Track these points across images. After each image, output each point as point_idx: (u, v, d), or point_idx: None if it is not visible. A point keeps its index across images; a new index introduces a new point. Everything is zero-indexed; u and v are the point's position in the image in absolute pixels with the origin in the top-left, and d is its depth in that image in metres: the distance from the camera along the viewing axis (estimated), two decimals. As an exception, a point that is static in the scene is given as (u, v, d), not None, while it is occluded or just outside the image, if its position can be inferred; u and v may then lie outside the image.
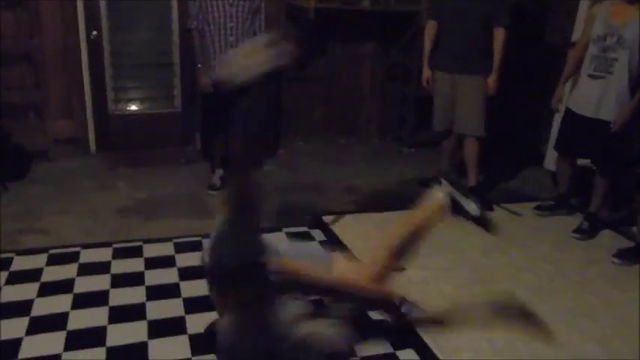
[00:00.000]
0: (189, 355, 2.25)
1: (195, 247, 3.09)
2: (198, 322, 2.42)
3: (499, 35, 3.75)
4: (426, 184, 4.09)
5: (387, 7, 4.94)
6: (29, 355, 2.18)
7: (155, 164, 4.59)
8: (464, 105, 3.87)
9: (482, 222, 2.01)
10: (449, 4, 3.85)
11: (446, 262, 3.06)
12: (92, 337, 2.31)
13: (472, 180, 4.06)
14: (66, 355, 2.20)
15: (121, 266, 2.93)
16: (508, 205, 3.89)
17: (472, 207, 1.94)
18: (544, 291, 2.86)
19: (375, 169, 4.67)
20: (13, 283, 2.71)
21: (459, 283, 2.84)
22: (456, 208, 1.95)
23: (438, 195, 1.91)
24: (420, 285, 2.78)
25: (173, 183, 4.20)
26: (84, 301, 2.59)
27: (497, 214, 3.77)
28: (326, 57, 5.23)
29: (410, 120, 5.24)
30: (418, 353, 2.26)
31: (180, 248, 3.13)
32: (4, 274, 2.77)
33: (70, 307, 2.53)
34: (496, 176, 4.50)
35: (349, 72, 5.36)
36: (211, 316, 2.43)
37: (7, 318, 2.41)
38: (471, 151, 3.99)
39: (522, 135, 4.98)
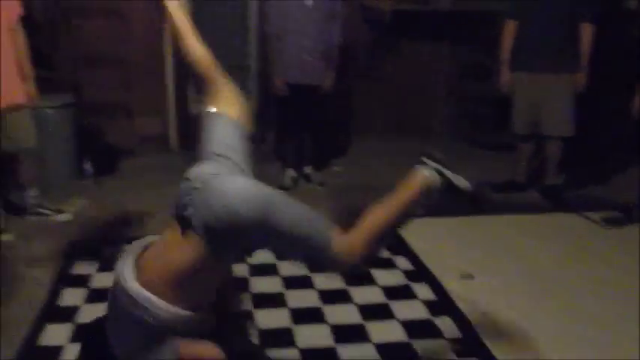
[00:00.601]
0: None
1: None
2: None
3: (586, 31, 3.65)
4: (498, 189, 4.10)
5: (467, 6, 4.87)
6: None
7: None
8: (552, 105, 3.79)
9: (476, 197, 1.90)
10: (531, 2, 3.78)
11: (516, 272, 2.98)
12: None
13: (550, 179, 4.01)
14: None
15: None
16: (589, 214, 3.75)
17: (462, 181, 1.89)
18: (630, 309, 2.63)
19: (445, 171, 4.61)
20: (104, 271, 2.87)
21: (530, 295, 2.75)
22: (448, 188, 1.89)
23: (423, 173, 1.85)
24: (489, 295, 2.75)
25: (247, 181, 4.35)
26: None
27: (576, 222, 3.67)
28: (399, 56, 5.25)
29: (485, 121, 5.16)
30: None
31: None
32: (96, 263, 2.98)
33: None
34: (581, 179, 4.36)
35: (423, 71, 5.36)
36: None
37: (98, 302, 2.58)
38: (555, 151, 3.93)
39: (612, 135, 4.79)
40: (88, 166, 4.29)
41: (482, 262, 3.07)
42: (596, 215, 3.72)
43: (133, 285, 1.50)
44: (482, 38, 4.97)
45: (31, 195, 3.58)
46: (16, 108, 3.27)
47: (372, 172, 4.64)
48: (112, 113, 4.85)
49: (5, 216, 3.43)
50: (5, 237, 3.28)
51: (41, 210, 3.59)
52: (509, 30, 3.92)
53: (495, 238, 3.40)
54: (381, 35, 5.04)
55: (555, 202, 3.95)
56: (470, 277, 2.90)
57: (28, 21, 3.42)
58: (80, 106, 4.31)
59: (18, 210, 3.59)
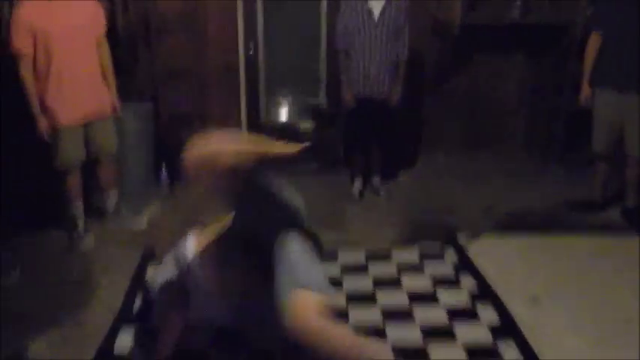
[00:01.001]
0: None
1: (329, 257, 3.20)
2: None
3: None
4: (574, 208, 3.95)
5: (539, 18, 4.74)
6: None
7: (299, 171, 4.86)
8: (636, 125, 3.60)
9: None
10: (617, 14, 3.59)
11: (587, 298, 2.85)
12: None
13: (630, 200, 3.83)
14: None
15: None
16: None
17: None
18: None
19: (517, 188, 4.48)
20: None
21: (601, 326, 2.61)
22: None
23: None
24: (556, 321, 2.66)
25: (315, 191, 4.41)
26: None
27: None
28: (470, 69, 5.16)
29: (560, 137, 4.97)
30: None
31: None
32: (168, 270, 3.16)
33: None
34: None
35: (495, 85, 5.24)
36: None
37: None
38: (636, 172, 3.74)
39: None
40: (163, 174, 4.50)
41: (551, 286, 2.97)
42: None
43: None
44: (556, 51, 4.81)
45: (111, 199, 3.80)
46: (102, 116, 3.50)
47: (442, 186, 4.59)
48: (188, 123, 5.07)
49: (86, 220, 3.66)
50: (86, 241, 3.52)
51: (119, 214, 3.81)
52: (594, 42, 3.73)
53: (568, 260, 3.27)
54: (451, 48, 4.98)
55: (635, 224, 3.75)
56: (537, 301, 2.82)
57: (110, 34, 3.66)
58: (158, 115, 4.54)
59: (99, 213, 3.83)
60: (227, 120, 5.13)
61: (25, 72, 3.16)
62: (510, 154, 5.27)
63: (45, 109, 3.25)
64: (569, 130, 4.79)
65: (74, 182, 3.51)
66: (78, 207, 3.58)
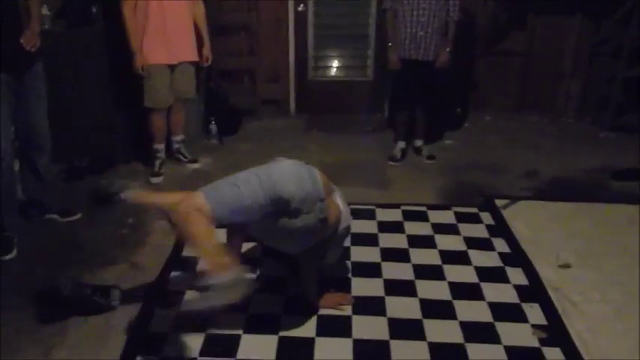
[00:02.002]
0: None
1: (367, 215, 3.37)
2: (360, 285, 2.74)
3: None
4: (618, 176, 3.92)
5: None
6: None
7: (344, 130, 4.97)
8: None
9: None
10: None
11: (618, 266, 2.88)
12: (276, 284, 2.69)
13: None
14: (255, 296, 2.57)
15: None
16: None
17: None
18: None
19: (564, 153, 4.46)
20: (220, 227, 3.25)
21: (629, 292, 2.67)
22: None
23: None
24: (584, 287, 2.72)
25: (358, 150, 4.53)
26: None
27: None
28: (524, 30, 5.06)
29: (614, 101, 4.86)
30: (564, 352, 2.29)
31: (354, 215, 3.42)
32: (215, 219, 3.36)
33: (260, 254, 2.96)
34: None
35: (550, 46, 5.13)
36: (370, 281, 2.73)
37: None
38: None
39: None
40: (213, 126, 4.69)
41: (584, 252, 3.01)
42: None
43: None
44: (617, 13, 4.64)
45: (178, 140, 4.14)
46: (187, 62, 3.85)
47: (486, 148, 4.60)
48: (238, 78, 5.22)
49: (162, 162, 4.00)
50: (156, 180, 3.85)
51: (180, 156, 4.16)
52: None
53: (603, 227, 3.28)
54: (506, 8, 4.88)
55: None
56: (567, 266, 2.88)
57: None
58: (208, 70, 4.69)
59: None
60: (275, 76, 5.25)
61: (128, 13, 3.56)
62: (561, 117, 5.19)
63: (140, 47, 3.63)
64: (625, 96, 4.67)
65: (159, 122, 3.88)
66: (159, 147, 3.95)
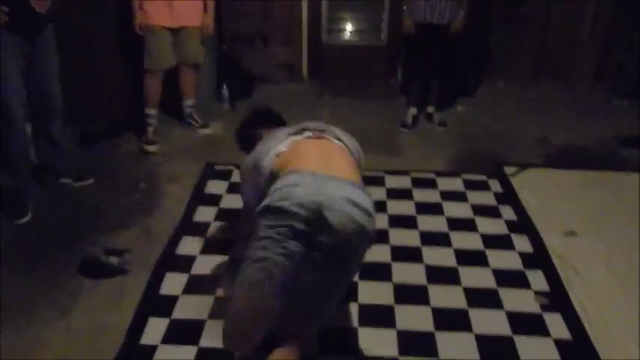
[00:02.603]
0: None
1: (376, 181, 3.39)
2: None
3: None
4: (629, 144, 3.88)
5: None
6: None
7: (358, 95, 4.94)
8: None
9: None
10: None
11: (625, 236, 2.88)
12: None
13: None
14: None
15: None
16: None
17: None
18: None
19: (577, 121, 4.43)
20: (231, 193, 3.28)
21: (633, 262, 2.68)
22: None
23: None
24: (588, 255, 2.74)
25: (372, 116, 4.51)
26: None
27: None
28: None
29: (630, 68, 4.77)
30: (565, 319, 2.33)
31: (365, 181, 3.45)
32: (226, 184, 3.40)
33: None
34: None
35: (568, 12, 5.01)
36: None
37: (224, 221, 3.00)
38: None
39: None
40: (225, 91, 4.69)
41: (591, 222, 3.02)
42: None
43: None
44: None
45: (189, 105, 4.14)
46: (191, 26, 3.81)
47: (499, 115, 4.57)
48: (250, 41, 5.18)
49: (155, 129, 3.95)
50: (152, 148, 3.82)
51: (191, 120, 4.16)
52: None
53: (612, 197, 3.28)
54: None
55: None
56: (572, 234, 2.90)
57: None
58: (221, 34, 4.67)
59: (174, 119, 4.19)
60: (288, 40, 5.21)
61: None
62: (576, 85, 5.11)
63: (142, 7, 3.62)
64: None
65: (154, 86, 3.84)
66: (151, 112, 3.90)
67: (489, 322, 2.31)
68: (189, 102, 4.14)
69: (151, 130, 3.89)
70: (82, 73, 3.74)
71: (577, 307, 2.38)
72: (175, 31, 3.75)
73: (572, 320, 2.32)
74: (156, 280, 2.50)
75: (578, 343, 2.22)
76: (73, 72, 3.40)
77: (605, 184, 3.43)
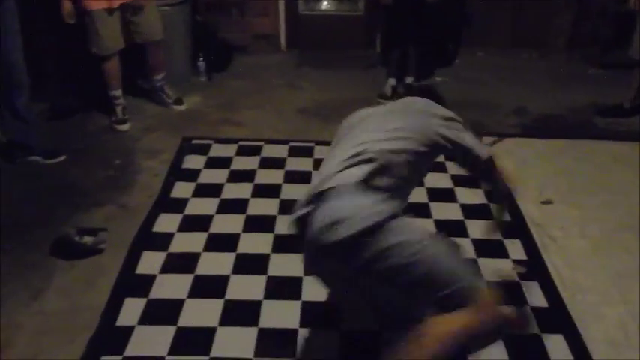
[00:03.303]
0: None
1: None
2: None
3: None
4: (603, 113, 3.91)
5: None
6: (217, 231, 2.69)
7: (337, 66, 4.88)
8: None
9: None
10: None
11: (599, 202, 2.94)
12: (265, 224, 2.75)
13: None
14: (244, 236, 2.66)
15: (293, 164, 3.31)
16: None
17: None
18: None
19: (553, 90, 4.43)
20: (209, 168, 3.26)
21: (607, 227, 2.74)
22: None
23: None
24: (564, 222, 2.78)
25: (351, 87, 4.45)
26: (261, 191, 3.03)
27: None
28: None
29: (603, 37, 4.78)
30: (542, 286, 2.36)
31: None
32: (204, 159, 3.36)
33: (250, 195, 2.99)
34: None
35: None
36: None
37: (203, 197, 2.98)
38: None
39: None
40: (201, 63, 4.58)
41: (567, 189, 3.06)
42: None
43: None
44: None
45: (159, 78, 4.00)
46: (144, 2, 3.61)
47: (477, 85, 4.55)
48: (226, 11, 5.06)
49: (125, 106, 3.83)
50: (123, 127, 3.72)
51: (164, 95, 4.03)
52: None
53: (588, 164, 3.32)
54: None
55: None
56: (550, 202, 2.92)
57: None
58: (195, 3, 4.55)
59: (146, 94, 4.05)
60: (265, 10, 5.11)
61: None
62: (552, 54, 5.11)
63: None
64: (614, 32, 4.60)
65: (112, 68, 3.68)
66: (116, 93, 3.76)
67: (468, 292, 2.33)
68: (159, 76, 3.99)
69: (119, 109, 3.77)
70: (50, 47, 3.64)
71: (553, 274, 2.42)
72: (123, 10, 3.55)
73: (548, 287, 2.36)
74: (132, 259, 2.47)
75: (553, 308, 2.26)
76: (41, 46, 3.30)
77: (580, 152, 3.47)
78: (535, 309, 2.25)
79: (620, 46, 4.05)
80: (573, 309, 2.24)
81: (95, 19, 3.46)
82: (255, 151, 3.45)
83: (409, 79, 4.37)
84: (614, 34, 4.63)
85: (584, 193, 3.01)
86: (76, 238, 2.46)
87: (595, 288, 2.36)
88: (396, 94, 4.29)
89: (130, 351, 2.02)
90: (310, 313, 2.21)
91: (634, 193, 3.03)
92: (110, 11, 3.49)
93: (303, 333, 2.12)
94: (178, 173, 3.19)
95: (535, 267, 2.48)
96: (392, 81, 4.31)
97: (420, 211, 2.85)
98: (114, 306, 2.21)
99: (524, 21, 5.11)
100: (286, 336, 2.10)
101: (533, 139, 3.62)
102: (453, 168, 3.25)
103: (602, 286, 2.38)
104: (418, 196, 2.97)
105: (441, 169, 3.24)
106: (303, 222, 1.65)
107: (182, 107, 4.04)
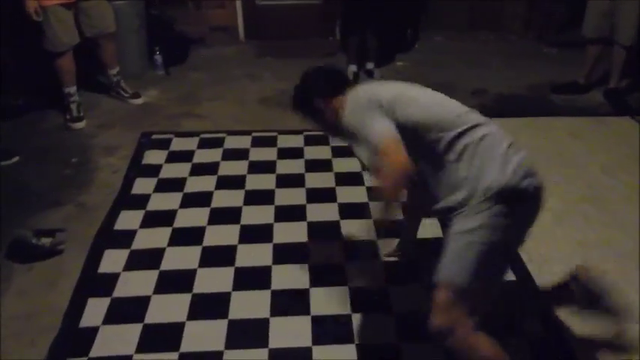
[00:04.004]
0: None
1: (322, 141, 3.34)
2: (317, 211, 2.75)
3: None
4: (559, 90, 3.99)
5: None
6: (182, 225, 2.64)
7: (297, 55, 4.83)
8: (625, 14, 3.62)
9: None
10: None
11: (559, 176, 2.99)
12: (231, 215, 2.71)
13: (613, 83, 3.91)
14: (209, 229, 2.61)
15: (257, 154, 3.27)
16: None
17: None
18: None
19: (510, 70, 4.50)
20: (171, 162, 3.19)
21: (568, 200, 2.80)
22: None
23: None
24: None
25: (310, 75, 4.43)
26: (225, 183, 2.99)
27: (631, 128, 3.56)
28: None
29: (556, 16, 4.88)
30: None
31: (310, 141, 3.40)
32: (165, 153, 3.28)
33: (214, 187, 2.95)
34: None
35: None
36: (325, 206, 2.76)
37: (165, 192, 2.91)
38: (621, 57, 3.79)
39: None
40: (158, 57, 4.48)
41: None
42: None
43: None
44: None
45: (114, 73, 3.89)
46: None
47: (437, 68, 4.58)
48: (182, 4, 4.96)
49: (81, 102, 3.71)
50: (79, 125, 3.61)
51: (120, 90, 3.92)
52: None
53: (547, 140, 3.39)
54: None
55: (616, 105, 3.85)
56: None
57: None
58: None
59: (100, 89, 3.95)
60: (221, 1, 5.02)
61: None
62: (508, 35, 5.18)
63: None
64: (568, 12, 4.69)
65: (66, 65, 3.56)
66: (71, 90, 3.64)
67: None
68: (113, 71, 3.88)
69: (74, 107, 3.64)
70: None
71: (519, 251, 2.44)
72: (74, 5, 3.45)
73: (515, 261, 2.37)
74: (94, 258, 2.40)
75: (521, 281, 2.29)
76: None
77: (538, 128, 3.54)
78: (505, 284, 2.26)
79: (575, 26, 4.13)
80: (540, 280, 2.29)
81: (50, 15, 3.34)
82: (217, 143, 3.40)
83: (370, 65, 4.37)
84: (568, 14, 4.70)
85: (545, 169, 2.98)
86: (33, 240, 2.37)
87: (559, 258, 2.42)
88: (357, 81, 4.29)
89: (95, 352, 1.96)
90: (280, 301, 2.19)
91: (591, 165, 3.12)
92: (68, 6, 3.40)
93: (274, 322, 2.09)
94: (139, 169, 3.12)
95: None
96: (353, 68, 4.30)
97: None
98: (77, 307, 2.14)
99: (480, 4, 5.16)
100: (257, 326, 2.08)
101: (494, 118, 3.63)
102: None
103: (565, 256, 2.43)
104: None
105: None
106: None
107: (139, 101, 3.95)
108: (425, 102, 1.76)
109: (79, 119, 3.62)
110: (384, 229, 2.37)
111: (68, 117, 3.62)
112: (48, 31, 3.39)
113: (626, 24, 3.65)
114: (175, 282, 2.28)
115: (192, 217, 2.71)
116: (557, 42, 4.90)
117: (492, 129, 1.74)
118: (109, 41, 3.75)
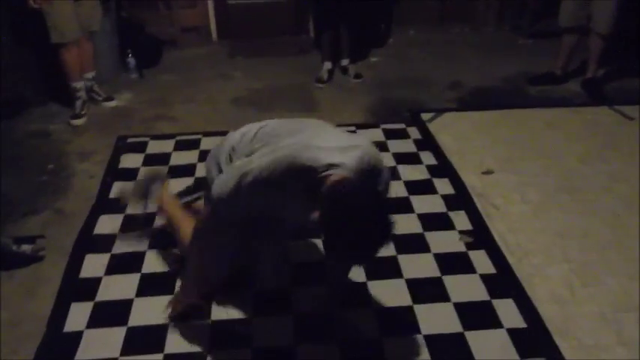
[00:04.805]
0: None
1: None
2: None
3: None
4: (535, 81, 4.06)
5: None
6: (162, 228, 2.54)
7: (270, 54, 4.84)
8: (602, 2, 3.67)
9: None
10: None
11: (537, 167, 3.04)
12: None
13: (590, 72, 3.97)
14: None
15: (234, 154, 3.27)
16: (622, 108, 3.70)
17: None
18: (635, 204, 2.73)
19: (485, 62, 4.55)
20: (147, 165, 3.14)
21: (545, 191, 2.84)
22: None
23: None
24: (506, 190, 2.86)
25: (285, 74, 4.43)
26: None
27: (610, 117, 3.62)
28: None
29: (531, 7, 4.95)
30: (488, 254, 2.42)
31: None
32: (141, 157, 3.25)
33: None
34: (620, 74, 4.23)
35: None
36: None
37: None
38: (598, 46, 3.85)
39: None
40: (130, 59, 4.43)
41: (506, 157, 3.15)
42: (632, 109, 3.66)
43: None
44: None
45: (89, 78, 3.83)
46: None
47: (411, 63, 4.62)
48: (152, 5, 4.91)
49: (84, 101, 3.73)
50: (78, 122, 3.62)
51: (94, 94, 3.87)
52: None
53: (524, 132, 3.43)
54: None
55: (593, 95, 3.90)
56: (490, 172, 3.00)
57: None
58: (119, -1, 4.39)
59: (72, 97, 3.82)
60: (192, 1, 4.99)
61: None
62: (481, 27, 5.24)
63: None
64: (541, 2, 4.77)
65: (73, 58, 3.59)
66: (77, 85, 3.66)
67: (418, 266, 2.36)
68: (89, 75, 3.82)
69: (79, 103, 3.67)
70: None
71: (498, 241, 2.49)
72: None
73: (495, 254, 2.42)
74: (75, 263, 2.37)
75: (501, 274, 2.32)
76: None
77: (515, 120, 3.58)
78: (483, 276, 2.30)
79: (549, 16, 4.19)
80: (520, 272, 2.31)
81: (56, 6, 3.36)
82: (193, 144, 3.37)
83: (344, 62, 4.39)
84: (542, 4, 4.77)
85: (522, 160, 3.11)
86: (14, 248, 2.33)
87: (538, 250, 2.44)
88: (332, 78, 4.31)
89: (80, 355, 1.95)
90: (262, 301, 2.18)
91: (567, 155, 3.17)
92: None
93: (257, 322, 2.09)
94: (115, 173, 3.08)
95: (481, 236, 2.54)
96: (328, 65, 4.31)
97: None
98: (60, 312, 2.11)
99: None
100: (240, 327, 2.07)
101: (470, 111, 3.71)
102: (394, 146, 3.30)
103: (544, 247, 2.46)
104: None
105: (382, 147, 3.25)
106: None
107: (113, 103, 3.91)
108: None
109: (78, 116, 3.64)
110: None
111: (71, 113, 3.67)
112: (53, 23, 3.40)
113: (602, 12, 3.68)
114: (157, 284, 2.26)
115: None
116: (533, 33, 4.96)
117: None
118: (89, 41, 3.73)
